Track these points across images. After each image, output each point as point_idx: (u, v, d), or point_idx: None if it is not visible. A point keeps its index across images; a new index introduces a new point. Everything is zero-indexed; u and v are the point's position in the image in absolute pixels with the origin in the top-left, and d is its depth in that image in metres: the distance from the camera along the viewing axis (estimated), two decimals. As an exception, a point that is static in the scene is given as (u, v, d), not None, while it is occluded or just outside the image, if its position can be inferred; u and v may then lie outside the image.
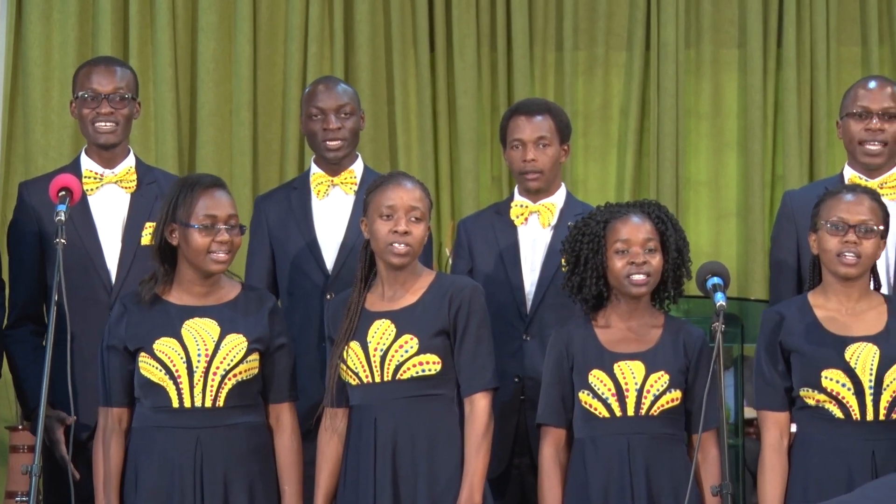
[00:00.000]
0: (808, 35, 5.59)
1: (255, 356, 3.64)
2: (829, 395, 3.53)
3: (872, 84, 4.11)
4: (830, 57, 5.59)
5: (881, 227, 3.60)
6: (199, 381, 3.58)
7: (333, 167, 4.24)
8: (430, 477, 3.59)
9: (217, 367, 3.59)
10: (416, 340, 3.61)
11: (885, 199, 3.96)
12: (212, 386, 3.59)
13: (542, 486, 3.64)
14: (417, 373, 3.61)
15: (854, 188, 3.71)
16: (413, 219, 3.63)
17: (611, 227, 3.63)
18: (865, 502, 1.63)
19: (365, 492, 3.60)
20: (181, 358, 3.59)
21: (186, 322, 3.62)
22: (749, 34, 5.61)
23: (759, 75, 5.58)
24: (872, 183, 4.00)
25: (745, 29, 5.63)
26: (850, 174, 4.07)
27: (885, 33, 5.62)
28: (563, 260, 3.77)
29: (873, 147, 4.02)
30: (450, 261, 4.65)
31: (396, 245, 3.61)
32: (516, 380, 4.01)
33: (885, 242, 3.65)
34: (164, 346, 3.60)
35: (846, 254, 3.56)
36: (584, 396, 3.61)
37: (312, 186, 4.26)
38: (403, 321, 3.63)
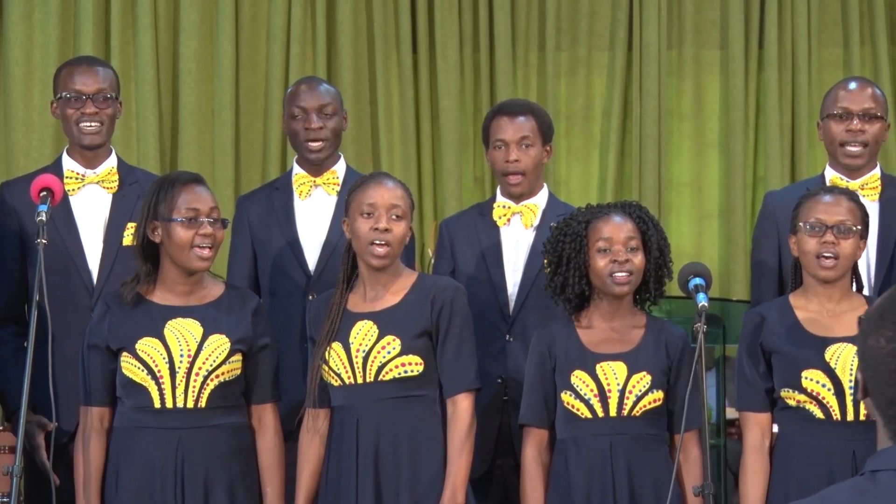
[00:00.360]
0: (789, 36, 5.60)
1: (237, 357, 3.63)
2: (810, 395, 3.54)
3: (853, 85, 4.11)
4: (812, 58, 5.59)
5: (859, 227, 3.61)
6: (181, 381, 3.57)
7: (316, 167, 4.23)
8: (413, 478, 3.58)
9: (199, 368, 3.58)
10: (398, 341, 3.61)
11: (866, 201, 3.98)
12: (194, 387, 3.57)
13: (524, 487, 3.64)
14: (400, 374, 3.61)
15: (831, 189, 3.72)
16: (394, 216, 3.63)
17: (593, 227, 3.63)
18: None
19: (347, 493, 3.59)
20: (163, 358, 3.58)
21: (169, 322, 3.61)
22: (731, 36, 5.61)
23: (740, 76, 5.58)
24: (853, 184, 4.00)
25: (727, 30, 5.63)
26: (832, 175, 4.07)
27: (866, 35, 5.63)
28: (545, 261, 3.77)
29: (853, 148, 4.02)
30: (432, 261, 4.64)
31: (377, 245, 3.61)
32: (499, 380, 4.01)
33: (864, 243, 3.65)
34: (147, 346, 3.59)
35: (824, 255, 3.57)
36: (567, 397, 3.62)
37: (295, 187, 4.25)
38: (386, 322, 3.63)
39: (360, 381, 3.62)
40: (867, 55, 5.62)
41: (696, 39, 5.69)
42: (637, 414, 3.58)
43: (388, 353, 3.61)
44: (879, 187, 4.05)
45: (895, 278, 3.99)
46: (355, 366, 3.62)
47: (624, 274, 3.60)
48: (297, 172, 4.26)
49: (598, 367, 3.61)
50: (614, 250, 3.60)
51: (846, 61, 5.62)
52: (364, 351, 3.62)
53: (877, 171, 4.08)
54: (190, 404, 3.57)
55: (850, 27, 5.60)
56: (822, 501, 1.63)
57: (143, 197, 3.71)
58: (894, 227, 4.02)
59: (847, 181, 4.02)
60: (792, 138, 5.60)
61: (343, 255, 3.75)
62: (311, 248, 4.19)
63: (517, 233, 4.13)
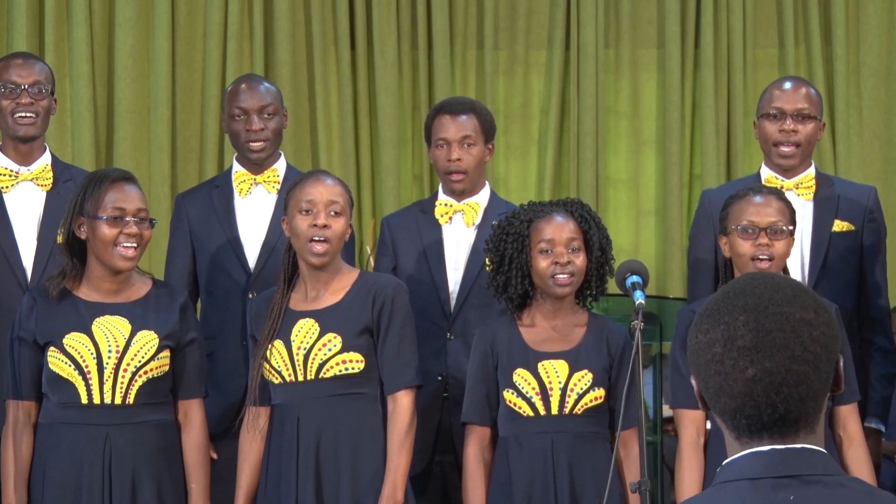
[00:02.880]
0: (725, 36, 5.65)
1: (166, 353, 3.61)
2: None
3: (787, 85, 4.13)
4: (747, 58, 5.65)
5: (791, 227, 3.64)
6: (108, 377, 3.54)
7: (256, 166, 4.21)
8: (353, 475, 3.58)
9: (128, 365, 3.55)
10: (339, 339, 3.60)
11: (800, 199, 4.02)
12: (122, 383, 3.55)
13: (466, 485, 3.65)
14: (340, 371, 3.60)
15: (760, 189, 3.73)
16: (333, 213, 3.62)
17: (535, 227, 3.64)
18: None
19: (287, 491, 3.58)
20: (91, 354, 3.55)
21: (97, 319, 3.58)
22: (667, 35, 5.65)
23: (677, 76, 5.63)
24: (788, 183, 4.04)
25: (664, 30, 5.67)
26: (767, 174, 4.10)
27: (800, 35, 5.69)
28: (487, 259, 3.77)
29: (787, 148, 4.04)
30: (370, 259, 4.64)
31: (316, 242, 3.59)
32: (439, 378, 4.01)
33: (793, 240, 3.69)
34: (74, 342, 3.56)
35: (759, 257, 3.59)
36: (509, 395, 3.62)
37: (235, 185, 4.22)
38: (327, 320, 3.62)
39: (301, 378, 3.61)
40: (801, 55, 5.69)
41: (633, 39, 5.73)
42: (579, 412, 3.60)
43: (329, 350, 3.60)
44: (814, 186, 4.09)
45: (828, 276, 4.03)
46: (296, 364, 3.61)
47: (565, 276, 3.61)
48: (238, 170, 4.23)
49: (539, 365, 3.62)
50: (556, 252, 3.61)
51: (781, 61, 5.68)
52: (305, 349, 3.61)
53: (811, 171, 4.12)
54: (118, 400, 3.55)
55: (785, 28, 5.66)
56: None
57: (72, 192, 3.67)
58: (828, 226, 4.06)
59: (782, 180, 4.05)
60: (728, 137, 5.65)
61: (284, 254, 3.73)
62: (252, 247, 4.17)
63: (459, 231, 4.13)
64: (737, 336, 1.64)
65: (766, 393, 1.63)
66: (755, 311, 1.64)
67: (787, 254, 3.64)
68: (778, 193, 3.69)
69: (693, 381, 1.72)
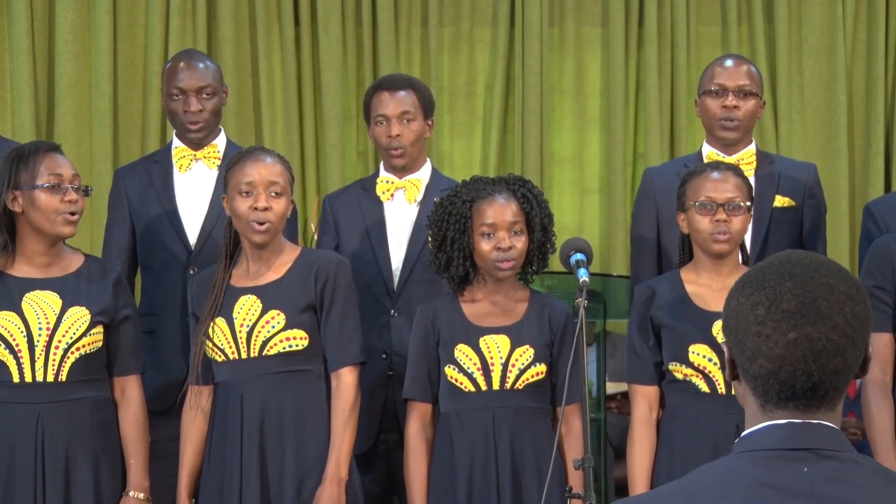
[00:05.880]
0: (668, 14, 5.66)
1: (98, 329, 3.58)
2: (696, 369, 3.58)
3: (729, 62, 4.16)
4: (690, 36, 5.66)
5: (748, 203, 3.66)
6: (40, 355, 3.51)
7: (196, 143, 4.18)
8: (297, 452, 3.57)
9: (59, 341, 3.52)
10: (282, 316, 3.59)
11: (740, 177, 4.04)
12: (54, 360, 3.52)
13: (408, 461, 3.65)
14: (284, 348, 3.59)
15: (718, 166, 3.75)
16: (273, 194, 3.60)
17: (476, 209, 3.63)
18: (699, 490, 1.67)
19: (231, 468, 3.57)
20: (21, 332, 3.52)
21: (27, 295, 3.55)
22: (611, 13, 5.66)
23: (621, 54, 5.63)
24: (729, 159, 4.06)
25: (608, 7, 5.68)
26: (708, 151, 4.13)
27: (743, 13, 5.72)
28: (429, 237, 3.77)
29: (728, 124, 4.08)
30: (315, 236, 4.62)
31: (257, 223, 3.58)
32: (384, 356, 4.01)
33: (750, 216, 3.71)
34: (4, 321, 3.52)
35: (718, 236, 3.61)
36: (450, 371, 3.63)
37: (174, 160, 4.20)
38: (269, 297, 3.60)
39: (244, 356, 3.59)
40: (744, 33, 5.71)
41: (578, 16, 5.73)
42: (520, 387, 3.61)
43: (273, 327, 3.59)
44: (755, 163, 4.12)
45: (770, 251, 4.06)
46: (239, 341, 3.59)
47: (507, 261, 3.61)
48: (177, 146, 4.20)
49: (481, 340, 3.62)
50: (498, 236, 3.60)
51: (724, 39, 5.70)
52: (248, 326, 3.59)
53: (752, 147, 4.15)
54: (50, 378, 3.52)
55: (728, 5, 5.68)
56: (691, 482, 1.67)
57: (0, 167, 3.63)
58: (769, 202, 4.09)
59: (724, 156, 4.08)
60: (671, 115, 5.67)
61: (225, 230, 3.71)
62: (191, 222, 4.14)
63: (401, 208, 4.12)
64: (782, 300, 1.66)
65: (804, 358, 1.65)
66: (802, 278, 1.67)
67: (744, 230, 3.66)
68: (735, 169, 3.71)
69: (725, 348, 1.73)
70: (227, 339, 3.60)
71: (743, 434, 1.71)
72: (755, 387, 1.69)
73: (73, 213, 3.54)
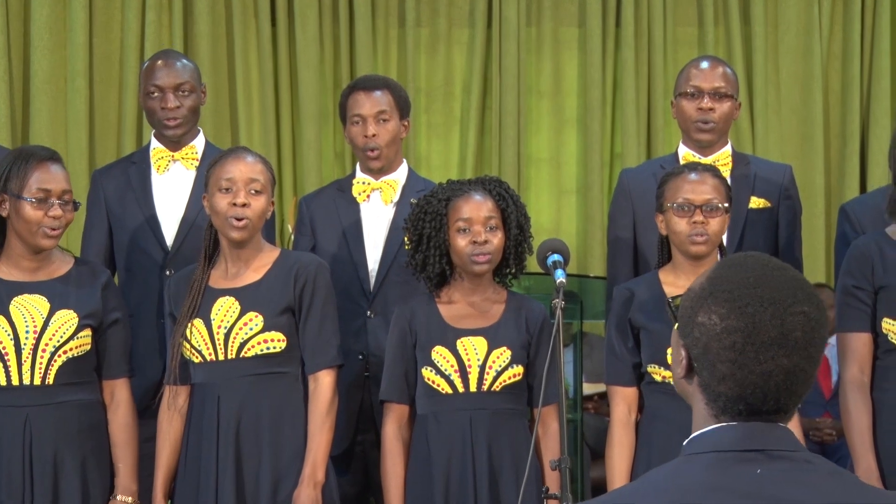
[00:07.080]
0: (645, 15, 5.68)
1: (86, 332, 3.57)
2: (674, 371, 3.59)
3: (704, 64, 4.16)
4: (667, 37, 5.68)
5: (726, 205, 3.67)
6: (27, 358, 3.50)
7: (174, 143, 4.17)
8: (274, 454, 3.57)
9: (46, 344, 3.51)
10: (260, 318, 3.58)
11: (717, 177, 4.05)
12: (41, 363, 3.51)
13: (385, 463, 3.65)
14: (262, 350, 3.58)
15: (695, 167, 3.75)
16: (253, 191, 3.60)
17: (453, 206, 3.64)
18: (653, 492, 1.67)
19: (207, 470, 3.56)
20: (8, 335, 3.51)
21: (15, 299, 3.54)
22: (588, 14, 5.67)
23: (598, 55, 5.65)
24: (705, 161, 4.07)
25: (585, 8, 5.69)
26: (684, 152, 4.14)
27: (720, 14, 5.74)
28: (406, 237, 3.77)
29: (704, 126, 4.09)
30: (292, 237, 4.61)
31: (236, 220, 3.57)
32: (360, 357, 4.01)
33: (728, 217, 3.72)
34: None
35: (696, 239, 3.61)
36: (427, 373, 3.63)
37: (152, 161, 4.19)
38: (248, 298, 3.60)
39: (221, 357, 3.59)
40: (721, 34, 5.74)
41: (555, 17, 5.74)
42: (497, 389, 3.61)
43: (251, 329, 3.58)
44: (730, 164, 4.13)
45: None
46: (217, 342, 3.59)
47: (483, 255, 3.61)
48: (155, 147, 4.19)
49: (458, 342, 3.62)
50: (474, 231, 3.61)
51: (700, 40, 5.72)
52: (226, 327, 3.58)
53: (728, 149, 4.16)
54: (37, 381, 3.51)
55: (704, 7, 5.71)
56: (645, 484, 1.68)
57: None
58: (744, 203, 4.10)
59: (699, 158, 4.09)
60: (648, 116, 5.69)
61: (206, 231, 3.70)
62: (169, 224, 4.13)
63: (377, 209, 4.12)
64: (761, 330, 1.66)
65: (776, 387, 1.66)
66: (781, 305, 1.67)
67: (722, 231, 3.66)
68: (713, 170, 3.71)
69: (682, 351, 1.73)
70: (204, 340, 3.59)
71: (693, 435, 1.71)
72: (714, 401, 1.69)
73: (54, 229, 3.53)
